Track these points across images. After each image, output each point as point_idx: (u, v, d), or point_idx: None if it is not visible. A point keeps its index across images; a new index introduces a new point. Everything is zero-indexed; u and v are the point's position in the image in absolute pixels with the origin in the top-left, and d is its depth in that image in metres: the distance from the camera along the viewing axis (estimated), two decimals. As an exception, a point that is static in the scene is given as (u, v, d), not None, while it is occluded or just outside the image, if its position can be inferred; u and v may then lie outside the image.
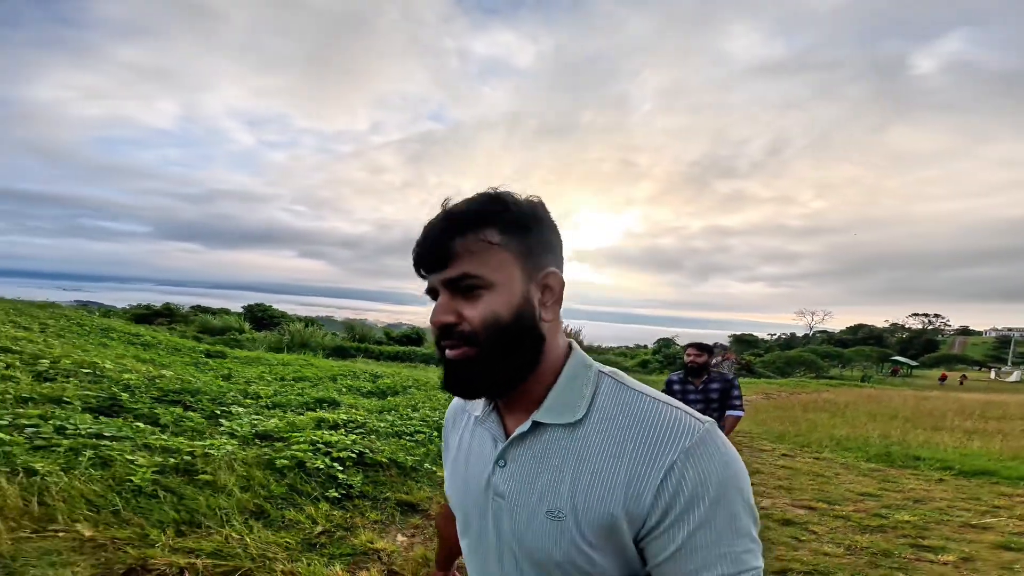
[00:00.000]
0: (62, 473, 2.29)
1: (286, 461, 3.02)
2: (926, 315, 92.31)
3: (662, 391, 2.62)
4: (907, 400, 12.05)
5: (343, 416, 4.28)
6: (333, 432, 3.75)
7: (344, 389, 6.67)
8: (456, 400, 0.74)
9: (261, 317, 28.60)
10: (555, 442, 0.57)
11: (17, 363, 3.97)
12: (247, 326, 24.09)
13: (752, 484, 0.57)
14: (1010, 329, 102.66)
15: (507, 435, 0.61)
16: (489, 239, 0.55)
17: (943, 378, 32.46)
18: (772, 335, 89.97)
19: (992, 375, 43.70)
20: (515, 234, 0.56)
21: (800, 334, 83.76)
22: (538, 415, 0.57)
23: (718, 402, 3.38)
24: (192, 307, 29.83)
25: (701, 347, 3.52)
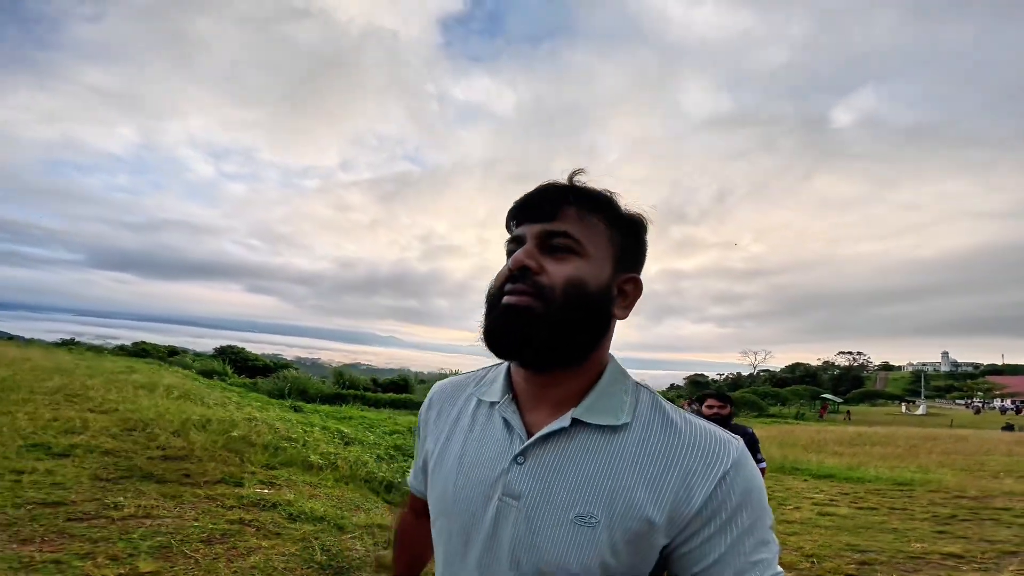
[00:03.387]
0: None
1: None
2: (851, 352, 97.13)
3: None
4: (808, 433, 16.48)
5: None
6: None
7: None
8: (442, 385, 0.70)
9: (235, 359, 26.79)
10: (592, 444, 0.54)
11: (318, 430, 6.97)
12: (230, 370, 22.47)
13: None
14: (924, 364, 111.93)
15: (527, 430, 0.57)
16: (602, 221, 0.56)
17: (822, 414, 37.04)
18: (721, 375, 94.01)
19: (903, 409, 49.10)
20: (618, 230, 0.57)
21: (746, 373, 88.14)
22: (578, 412, 0.54)
23: None
24: (134, 343, 27.09)
25: (723, 397, 3.21)
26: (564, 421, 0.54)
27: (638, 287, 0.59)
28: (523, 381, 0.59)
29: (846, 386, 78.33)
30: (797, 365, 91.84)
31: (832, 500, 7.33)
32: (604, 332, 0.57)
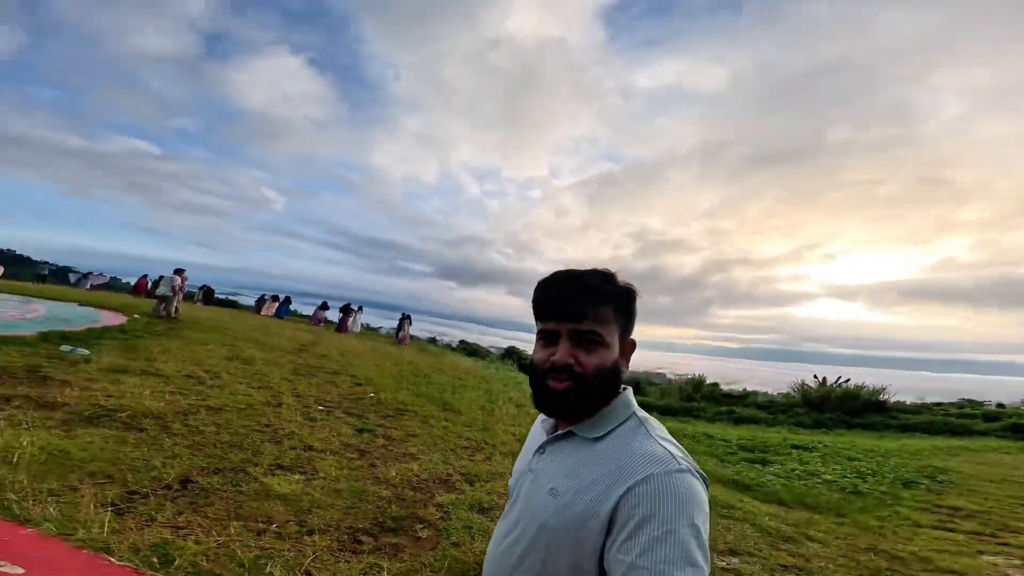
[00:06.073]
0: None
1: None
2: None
3: None
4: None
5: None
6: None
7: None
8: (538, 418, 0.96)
9: (517, 360, 25.10)
10: (576, 448, 0.78)
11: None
12: (515, 369, 19.95)
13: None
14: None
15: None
16: (611, 310, 0.78)
17: None
18: None
19: None
20: (621, 312, 0.79)
21: None
22: (574, 427, 0.80)
23: None
24: (460, 341, 29.30)
25: None
26: (564, 431, 0.82)
27: (633, 348, 0.84)
28: None
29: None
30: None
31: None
32: (618, 389, 0.81)
